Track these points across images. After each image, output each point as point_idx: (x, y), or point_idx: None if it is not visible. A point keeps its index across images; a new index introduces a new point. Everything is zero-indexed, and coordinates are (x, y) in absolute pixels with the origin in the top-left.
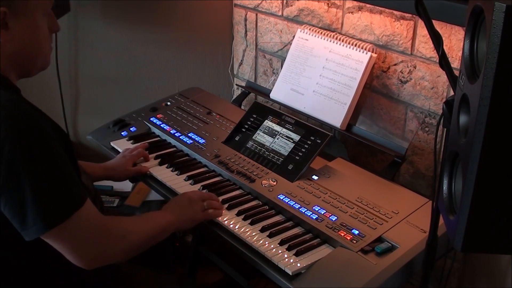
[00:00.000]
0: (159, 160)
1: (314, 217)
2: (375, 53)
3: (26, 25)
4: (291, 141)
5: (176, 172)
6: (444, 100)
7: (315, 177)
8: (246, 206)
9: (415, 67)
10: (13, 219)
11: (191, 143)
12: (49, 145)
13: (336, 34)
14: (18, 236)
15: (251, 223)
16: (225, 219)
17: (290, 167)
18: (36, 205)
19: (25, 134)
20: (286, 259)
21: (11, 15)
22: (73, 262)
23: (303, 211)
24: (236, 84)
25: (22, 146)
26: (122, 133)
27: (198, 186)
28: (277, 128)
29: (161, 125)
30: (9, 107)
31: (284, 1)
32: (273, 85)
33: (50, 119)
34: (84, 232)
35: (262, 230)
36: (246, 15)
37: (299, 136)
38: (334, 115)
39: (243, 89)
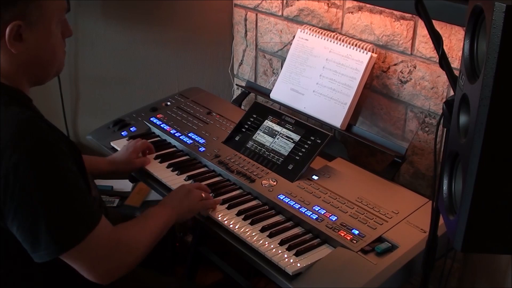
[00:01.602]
0: (159, 160)
1: (314, 217)
2: (375, 53)
3: (40, 35)
4: (291, 141)
5: (176, 172)
6: (444, 100)
7: (315, 177)
8: (246, 206)
9: (415, 67)
10: (24, 241)
11: (191, 143)
12: (63, 167)
13: (336, 34)
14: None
15: (251, 223)
16: (225, 219)
17: (290, 167)
18: (50, 229)
19: (38, 156)
20: (286, 259)
21: (26, 27)
22: (89, 279)
23: (303, 211)
24: (236, 84)
25: (36, 169)
26: (122, 133)
27: None
28: (277, 128)
29: (161, 125)
30: (22, 128)
31: (284, 1)
32: (273, 85)
33: (62, 133)
34: (99, 250)
35: (262, 230)
36: (246, 15)
37: (299, 136)
38: (334, 115)
39: (243, 89)
